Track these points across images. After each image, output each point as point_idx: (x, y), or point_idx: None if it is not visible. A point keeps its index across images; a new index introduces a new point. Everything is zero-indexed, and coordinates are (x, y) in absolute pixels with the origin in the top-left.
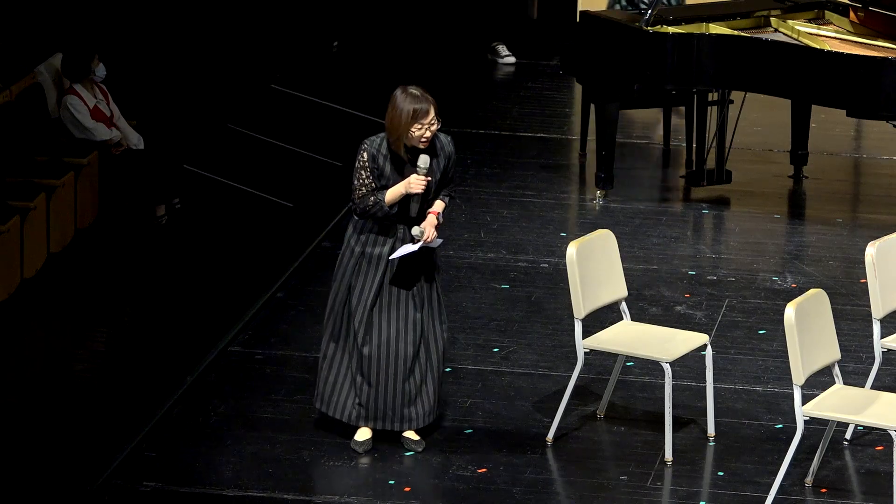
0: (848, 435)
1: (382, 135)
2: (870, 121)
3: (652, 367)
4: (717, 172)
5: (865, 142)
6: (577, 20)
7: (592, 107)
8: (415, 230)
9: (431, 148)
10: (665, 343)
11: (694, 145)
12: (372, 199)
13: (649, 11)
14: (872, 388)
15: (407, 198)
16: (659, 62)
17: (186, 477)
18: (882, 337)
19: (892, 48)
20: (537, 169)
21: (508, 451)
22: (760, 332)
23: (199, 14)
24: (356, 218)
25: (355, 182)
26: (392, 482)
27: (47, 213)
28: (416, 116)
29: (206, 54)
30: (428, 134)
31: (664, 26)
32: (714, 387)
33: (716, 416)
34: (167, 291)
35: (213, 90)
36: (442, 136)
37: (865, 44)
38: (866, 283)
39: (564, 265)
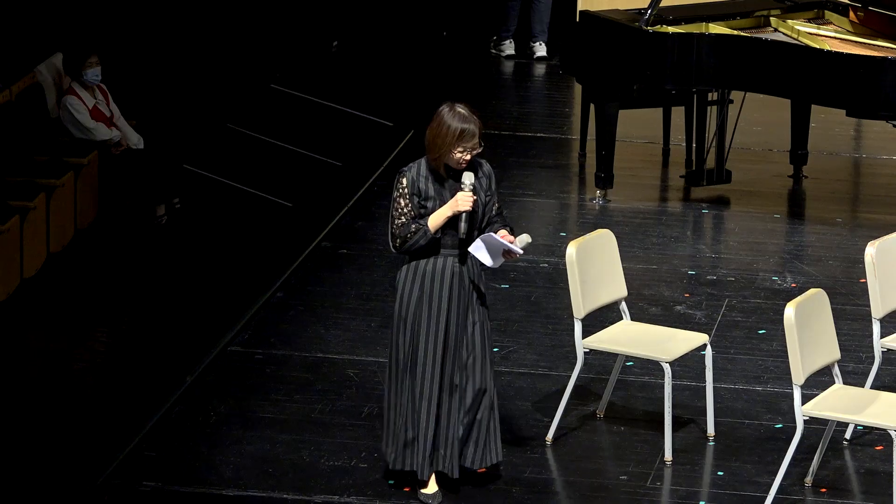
0: (848, 435)
1: (419, 160)
2: (870, 121)
3: (652, 366)
4: (716, 172)
5: (865, 142)
6: (577, 20)
7: (592, 107)
8: (465, 178)
9: (471, 167)
10: (665, 343)
11: (694, 145)
12: (414, 226)
13: (649, 11)
14: (872, 387)
15: (454, 224)
16: (659, 62)
17: (186, 477)
18: (882, 337)
19: (892, 48)
20: (537, 169)
21: (508, 451)
22: (760, 331)
23: (199, 14)
24: (395, 252)
25: (393, 213)
26: (392, 482)
27: (47, 212)
28: (463, 137)
29: (206, 54)
30: (468, 157)
31: (664, 26)
32: (714, 386)
33: (715, 416)
34: (167, 291)
35: (213, 90)
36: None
37: (865, 44)
38: (866, 282)
39: (564, 265)
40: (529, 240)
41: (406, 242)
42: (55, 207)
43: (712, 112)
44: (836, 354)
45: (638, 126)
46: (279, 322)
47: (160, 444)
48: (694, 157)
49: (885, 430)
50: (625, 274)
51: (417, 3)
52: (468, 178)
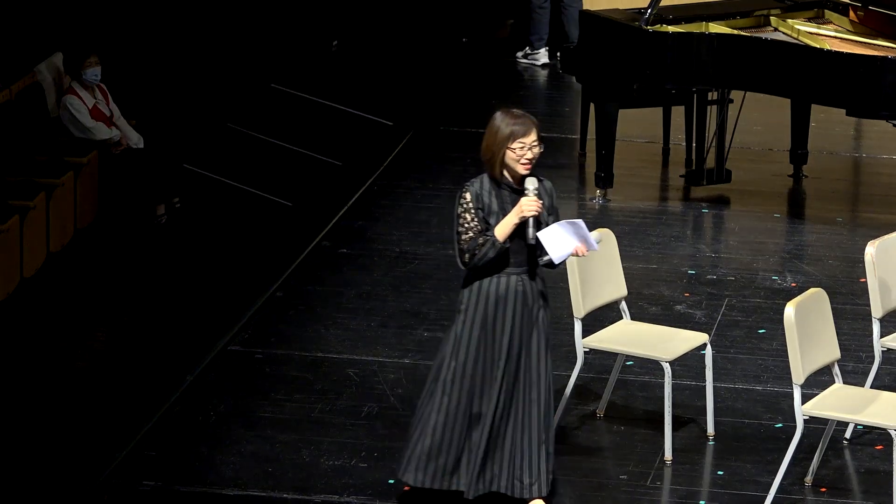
0: (847, 434)
1: (481, 175)
2: (870, 120)
3: (652, 366)
4: (716, 172)
5: (865, 142)
6: (577, 20)
7: (592, 106)
8: (528, 183)
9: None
10: (665, 342)
11: (694, 145)
12: (481, 238)
13: (649, 11)
14: (872, 387)
15: (522, 237)
16: (658, 61)
17: (186, 476)
18: (882, 336)
19: (892, 48)
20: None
21: None
22: (760, 331)
23: (199, 14)
24: (464, 269)
25: (459, 229)
26: (391, 482)
27: (47, 212)
28: (515, 136)
29: (206, 54)
30: (529, 155)
31: (664, 25)
32: (714, 386)
33: (716, 416)
34: (167, 291)
35: (213, 90)
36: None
37: (865, 43)
38: (866, 282)
39: (564, 265)
40: (534, 180)
41: (475, 256)
42: (55, 207)
43: (712, 112)
44: (836, 354)
45: (638, 126)
46: (279, 322)
47: (160, 444)
48: (694, 157)
49: (885, 429)
50: (625, 273)
51: (416, 4)
52: (531, 183)
